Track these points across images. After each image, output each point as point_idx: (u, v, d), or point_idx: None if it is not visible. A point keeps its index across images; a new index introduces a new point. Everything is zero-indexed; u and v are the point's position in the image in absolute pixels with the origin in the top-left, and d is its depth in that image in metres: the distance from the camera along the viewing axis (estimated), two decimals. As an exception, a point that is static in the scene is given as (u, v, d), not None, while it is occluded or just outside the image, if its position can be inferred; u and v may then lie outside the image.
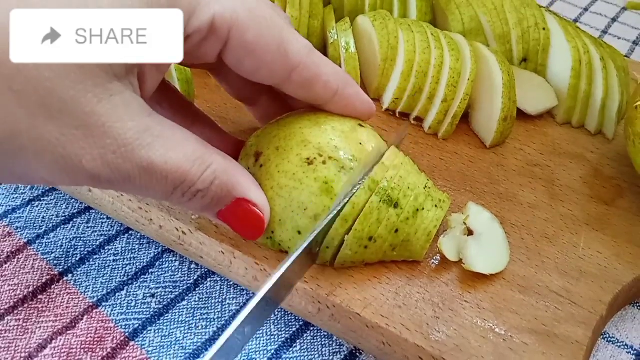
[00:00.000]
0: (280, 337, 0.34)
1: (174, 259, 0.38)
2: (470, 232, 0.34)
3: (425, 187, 0.34)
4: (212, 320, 0.35)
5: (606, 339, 0.35)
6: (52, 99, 0.23)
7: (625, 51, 0.62)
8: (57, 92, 0.23)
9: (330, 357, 0.34)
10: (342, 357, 0.34)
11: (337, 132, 0.32)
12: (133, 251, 0.38)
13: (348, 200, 0.31)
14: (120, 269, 0.37)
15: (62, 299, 0.35)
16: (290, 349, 0.34)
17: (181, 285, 0.36)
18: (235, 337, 0.26)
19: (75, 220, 0.39)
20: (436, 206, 0.34)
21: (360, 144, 0.32)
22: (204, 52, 0.29)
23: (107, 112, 0.24)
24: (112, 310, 0.35)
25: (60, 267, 0.37)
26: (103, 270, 0.37)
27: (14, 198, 0.41)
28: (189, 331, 0.34)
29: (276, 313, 0.35)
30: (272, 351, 0.34)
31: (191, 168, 0.27)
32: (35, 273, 0.36)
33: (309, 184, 0.31)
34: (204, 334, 0.34)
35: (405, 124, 0.43)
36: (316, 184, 0.31)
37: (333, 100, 0.33)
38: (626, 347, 0.35)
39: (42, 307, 0.35)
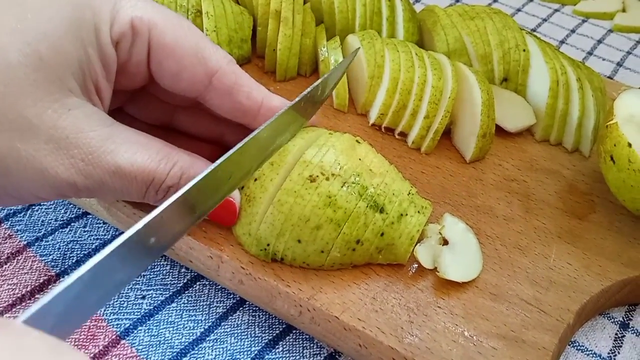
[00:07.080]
0: (263, 338, 0.36)
1: (164, 262, 0.40)
2: (445, 242, 0.36)
3: (409, 193, 0.36)
4: (200, 321, 0.37)
5: (576, 347, 0.37)
6: (20, 120, 0.26)
7: (609, 72, 0.64)
8: (22, 113, 0.26)
9: (311, 359, 0.35)
10: (322, 358, 0.35)
11: (337, 150, 0.34)
12: (127, 255, 0.40)
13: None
14: (114, 271, 0.39)
15: (58, 299, 0.37)
16: (273, 351, 0.35)
17: (171, 287, 0.38)
18: (106, 272, 0.22)
19: (72, 224, 0.41)
20: (419, 212, 0.36)
21: (360, 159, 0.35)
22: (136, 60, 0.31)
23: (68, 125, 0.27)
24: (104, 310, 0.37)
25: (57, 268, 0.39)
26: (98, 272, 0.39)
27: (15, 202, 0.43)
28: (177, 331, 0.36)
29: (260, 316, 0.37)
30: (256, 352, 0.35)
31: (157, 167, 0.29)
32: (33, 274, 0.38)
33: (311, 198, 0.33)
34: (191, 334, 0.36)
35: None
36: (319, 198, 0.33)
37: (260, 113, 0.33)
38: (594, 355, 0.37)
39: (39, 306, 0.37)
